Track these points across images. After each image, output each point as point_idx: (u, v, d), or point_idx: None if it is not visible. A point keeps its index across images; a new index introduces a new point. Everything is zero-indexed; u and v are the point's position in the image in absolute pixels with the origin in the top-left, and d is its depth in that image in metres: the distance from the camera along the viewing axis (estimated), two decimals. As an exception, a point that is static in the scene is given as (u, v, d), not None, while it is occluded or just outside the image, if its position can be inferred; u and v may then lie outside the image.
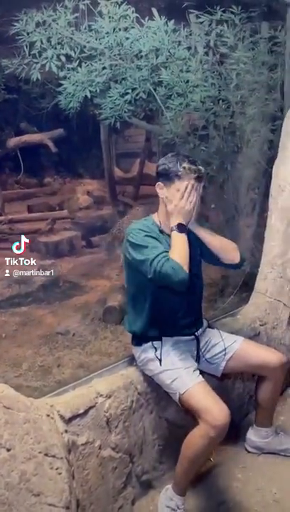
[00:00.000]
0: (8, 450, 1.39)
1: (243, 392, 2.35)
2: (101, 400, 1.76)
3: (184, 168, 1.80)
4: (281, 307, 2.46)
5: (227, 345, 1.98)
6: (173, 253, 1.76)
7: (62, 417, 1.64)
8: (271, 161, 2.74)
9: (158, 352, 1.86)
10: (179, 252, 1.76)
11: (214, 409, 1.69)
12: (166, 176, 1.82)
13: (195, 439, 1.71)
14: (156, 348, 1.87)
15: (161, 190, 1.85)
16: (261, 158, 2.91)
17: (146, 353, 1.88)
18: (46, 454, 1.46)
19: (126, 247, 1.82)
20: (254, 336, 2.32)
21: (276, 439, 2.11)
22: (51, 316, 3.22)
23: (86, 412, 1.71)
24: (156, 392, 1.94)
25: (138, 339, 1.91)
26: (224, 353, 1.97)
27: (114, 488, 1.79)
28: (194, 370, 1.83)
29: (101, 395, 1.77)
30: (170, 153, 1.87)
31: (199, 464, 1.82)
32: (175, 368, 1.82)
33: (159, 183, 1.85)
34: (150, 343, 1.88)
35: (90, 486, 1.70)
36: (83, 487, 1.67)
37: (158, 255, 1.73)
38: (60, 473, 1.45)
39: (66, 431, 1.62)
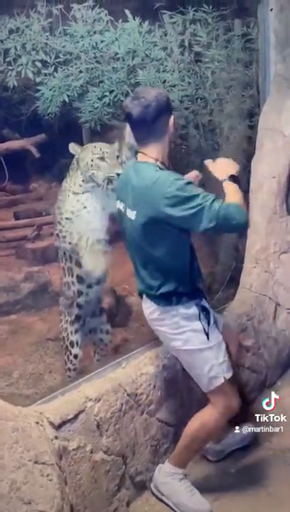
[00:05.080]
0: (-3, 460, 1.40)
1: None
2: (90, 404, 1.78)
3: None
4: (267, 301, 2.48)
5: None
6: (230, 199, 1.65)
7: (51, 423, 1.65)
8: (250, 157, 2.76)
9: (205, 323, 1.73)
10: (235, 196, 1.67)
11: (236, 397, 1.79)
12: None
13: (211, 422, 1.78)
14: (203, 314, 1.72)
15: None
16: (240, 154, 2.93)
17: (188, 321, 1.72)
18: (36, 462, 1.46)
19: (165, 205, 1.59)
20: (242, 331, 2.35)
21: (230, 437, 2.10)
22: (41, 322, 3.20)
23: (76, 417, 1.72)
24: (146, 393, 1.96)
25: (180, 297, 1.72)
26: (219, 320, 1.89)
27: (108, 491, 1.80)
28: None
29: (90, 399, 1.79)
30: None
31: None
32: (222, 345, 1.76)
33: None
34: (194, 308, 1.73)
35: (84, 490, 1.70)
36: (76, 492, 1.68)
37: (214, 200, 1.60)
38: (50, 480, 1.45)
39: (56, 437, 1.63)
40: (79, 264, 2.27)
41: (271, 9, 2.63)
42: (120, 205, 1.82)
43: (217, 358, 1.75)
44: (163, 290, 1.75)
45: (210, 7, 2.85)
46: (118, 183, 1.93)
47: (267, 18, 2.68)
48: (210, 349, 1.75)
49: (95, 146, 2.25)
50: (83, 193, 2.22)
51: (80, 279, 2.30)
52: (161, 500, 1.88)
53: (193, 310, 1.75)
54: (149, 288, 1.78)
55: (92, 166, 2.18)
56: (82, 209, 2.23)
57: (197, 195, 1.61)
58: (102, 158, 2.17)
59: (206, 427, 1.81)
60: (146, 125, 1.69)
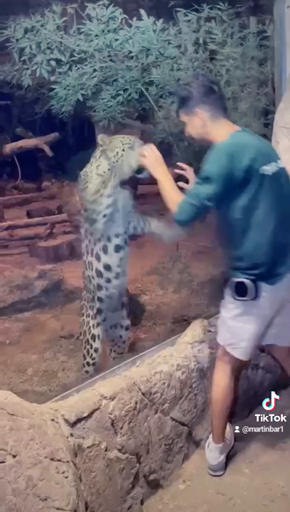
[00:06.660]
0: (14, 456, 1.41)
1: (248, 388, 2.36)
2: (105, 402, 1.78)
3: None
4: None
5: None
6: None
7: (66, 421, 1.65)
8: (265, 155, 2.74)
9: None
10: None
11: None
12: None
13: None
14: None
15: None
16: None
17: None
18: (52, 459, 1.47)
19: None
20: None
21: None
22: (54, 320, 3.22)
23: (90, 414, 1.72)
24: (160, 392, 1.96)
25: None
26: None
27: (122, 489, 1.80)
28: None
29: (105, 397, 1.79)
30: None
31: None
32: None
33: None
34: None
35: (98, 487, 1.71)
36: (91, 489, 1.68)
37: None
38: (66, 477, 1.46)
39: (71, 434, 1.64)
40: (98, 258, 2.28)
41: (288, 6, 2.60)
42: (266, 168, 1.88)
43: None
44: None
45: (225, 4, 2.82)
46: (247, 150, 1.87)
47: (283, 15, 2.66)
48: None
49: (124, 137, 2.28)
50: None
51: (99, 273, 2.31)
52: None
53: None
54: None
55: (122, 155, 2.20)
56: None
57: None
58: (132, 148, 2.20)
59: None
60: None
